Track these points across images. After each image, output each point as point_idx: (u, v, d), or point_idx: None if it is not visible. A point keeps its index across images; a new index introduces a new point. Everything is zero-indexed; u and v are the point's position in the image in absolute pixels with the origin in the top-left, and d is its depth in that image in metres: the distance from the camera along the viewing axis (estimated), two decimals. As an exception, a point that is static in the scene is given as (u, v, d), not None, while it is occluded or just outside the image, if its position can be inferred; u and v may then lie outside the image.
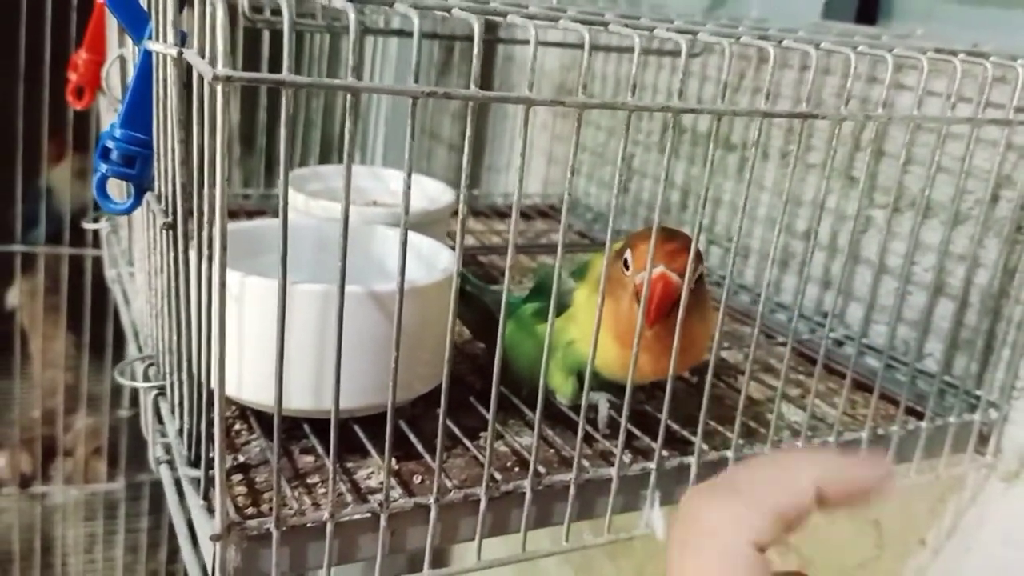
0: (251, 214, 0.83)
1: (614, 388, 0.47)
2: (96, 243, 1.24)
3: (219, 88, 0.29)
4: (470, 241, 0.84)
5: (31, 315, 1.40)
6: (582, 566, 0.99)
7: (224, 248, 0.31)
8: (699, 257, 0.43)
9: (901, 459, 0.54)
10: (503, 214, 0.96)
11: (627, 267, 0.44)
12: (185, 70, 0.34)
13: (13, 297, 1.42)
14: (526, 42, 0.91)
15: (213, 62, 0.29)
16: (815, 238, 0.47)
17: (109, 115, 0.64)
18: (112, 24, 0.61)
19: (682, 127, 0.86)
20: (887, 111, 0.44)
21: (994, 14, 0.68)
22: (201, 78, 0.32)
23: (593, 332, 0.41)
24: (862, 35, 0.55)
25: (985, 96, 0.48)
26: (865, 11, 0.77)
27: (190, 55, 0.33)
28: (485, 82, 0.34)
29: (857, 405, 0.58)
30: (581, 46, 0.36)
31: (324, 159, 0.98)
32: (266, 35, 0.81)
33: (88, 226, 0.80)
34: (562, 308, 0.47)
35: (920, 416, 0.56)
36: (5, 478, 1.39)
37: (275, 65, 0.81)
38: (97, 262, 1.25)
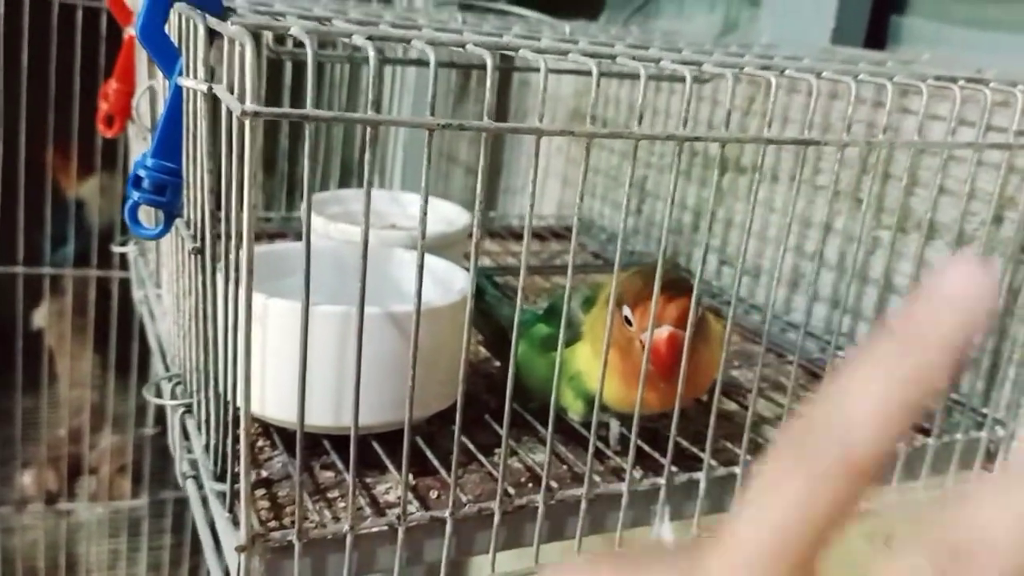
0: (272, 236, 0.85)
1: (622, 416, 0.48)
2: (123, 266, 1.27)
3: (247, 123, 0.31)
4: (486, 262, 0.86)
5: (58, 335, 1.43)
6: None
7: (251, 272, 0.33)
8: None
9: (908, 475, 0.55)
10: (519, 235, 0.98)
11: (630, 323, 0.45)
12: (214, 104, 0.36)
13: (40, 318, 1.45)
14: (539, 70, 0.93)
15: (242, 98, 0.31)
16: (820, 258, 0.49)
17: (138, 142, 0.67)
18: (142, 56, 0.63)
19: (694, 151, 0.87)
20: (888, 136, 0.46)
21: (1001, 38, 0.69)
22: (230, 112, 0.34)
23: (599, 375, 0.42)
24: (867, 61, 0.57)
25: (985, 121, 0.49)
26: (874, 36, 0.79)
27: (219, 91, 0.34)
28: (501, 107, 0.36)
29: (866, 423, 0.59)
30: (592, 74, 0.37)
31: (344, 183, 1.00)
32: (288, 64, 0.83)
33: (117, 249, 0.82)
34: (571, 339, 0.48)
35: (927, 433, 0.57)
36: (32, 495, 1.41)
37: (296, 93, 0.83)
38: (123, 284, 1.28)
